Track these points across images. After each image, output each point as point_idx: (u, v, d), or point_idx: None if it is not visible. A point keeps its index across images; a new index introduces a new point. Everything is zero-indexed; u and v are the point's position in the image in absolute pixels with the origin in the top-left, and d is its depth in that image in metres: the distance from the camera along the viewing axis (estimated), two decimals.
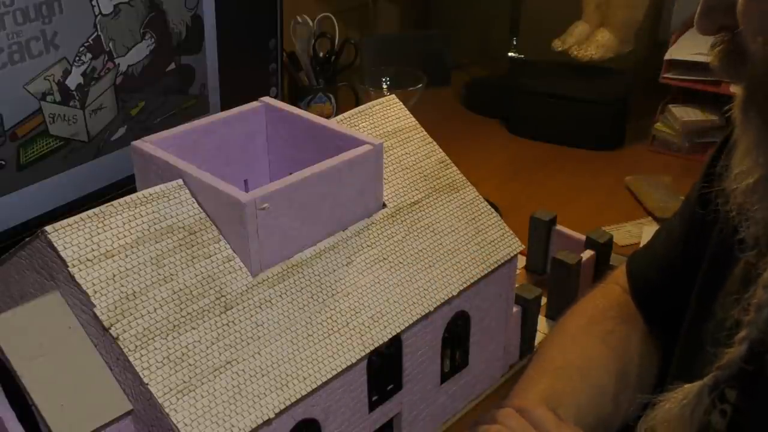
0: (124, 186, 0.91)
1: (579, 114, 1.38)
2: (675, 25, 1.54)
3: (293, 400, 0.54)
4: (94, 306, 0.51)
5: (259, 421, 0.52)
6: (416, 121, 0.78)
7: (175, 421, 0.49)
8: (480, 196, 0.75)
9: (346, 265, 0.63)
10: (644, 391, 0.71)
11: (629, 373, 0.70)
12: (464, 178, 0.76)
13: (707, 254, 0.62)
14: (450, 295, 0.66)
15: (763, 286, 0.51)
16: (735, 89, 0.52)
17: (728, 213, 0.53)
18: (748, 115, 0.50)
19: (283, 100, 0.96)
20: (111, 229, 0.55)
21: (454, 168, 0.76)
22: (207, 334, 0.54)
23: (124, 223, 0.55)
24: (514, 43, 1.53)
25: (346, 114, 0.74)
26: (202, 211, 0.59)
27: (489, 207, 0.75)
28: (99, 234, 0.54)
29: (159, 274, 0.54)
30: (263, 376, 0.54)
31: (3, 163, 0.82)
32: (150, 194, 0.58)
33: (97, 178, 0.93)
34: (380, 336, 0.60)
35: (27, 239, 0.55)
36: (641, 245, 0.89)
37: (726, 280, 0.58)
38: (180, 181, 0.59)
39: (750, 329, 0.51)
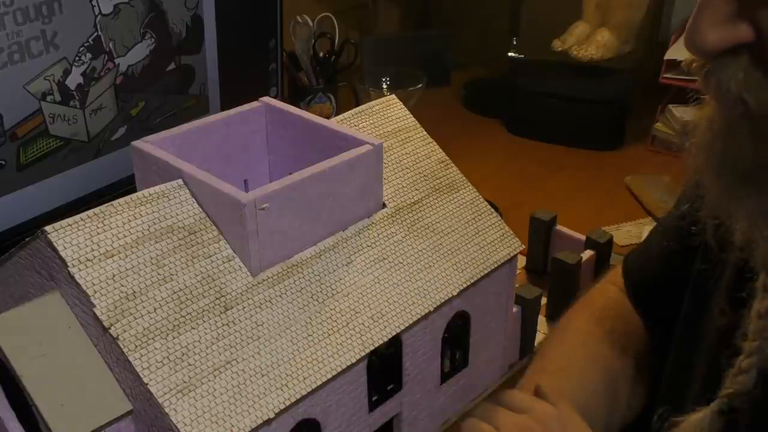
0: (124, 186, 0.91)
1: (579, 114, 1.39)
2: (675, 25, 1.54)
3: (293, 400, 0.54)
4: (94, 306, 0.51)
5: (259, 421, 0.52)
6: (416, 121, 0.78)
7: (175, 421, 0.49)
8: (480, 196, 0.75)
9: (346, 265, 0.63)
10: (643, 390, 0.71)
11: (628, 372, 0.70)
12: (464, 178, 0.76)
13: (700, 251, 0.62)
14: (450, 295, 0.66)
15: (758, 316, 0.51)
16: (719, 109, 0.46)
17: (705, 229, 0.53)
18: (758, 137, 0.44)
19: (283, 100, 0.96)
20: (111, 229, 0.55)
21: (454, 168, 0.76)
22: (207, 334, 0.54)
23: (124, 223, 0.55)
24: (514, 43, 1.53)
25: (346, 114, 0.74)
26: (202, 211, 0.59)
27: (489, 207, 0.75)
28: (99, 234, 0.54)
29: (159, 274, 0.54)
30: (263, 376, 0.54)
31: (3, 163, 0.82)
32: (150, 194, 0.58)
33: (97, 178, 0.93)
34: (380, 336, 0.60)
35: (27, 239, 0.55)
36: None
37: (720, 277, 0.58)
38: (180, 181, 0.59)
39: (758, 357, 0.50)
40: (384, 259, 0.65)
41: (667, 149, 1.35)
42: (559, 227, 0.99)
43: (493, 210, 0.75)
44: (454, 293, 0.67)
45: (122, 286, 0.53)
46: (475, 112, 1.53)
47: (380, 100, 0.77)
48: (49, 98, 0.84)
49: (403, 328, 0.62)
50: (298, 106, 0.84)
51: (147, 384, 0.50)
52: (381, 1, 1.67)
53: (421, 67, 1.36)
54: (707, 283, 0.59)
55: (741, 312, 0.53)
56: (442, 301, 0.66)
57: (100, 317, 0.51)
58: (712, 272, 0.58)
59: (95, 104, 0.89)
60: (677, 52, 1.32)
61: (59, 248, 0.52)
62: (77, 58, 0.85)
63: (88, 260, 0.53)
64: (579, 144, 1.38)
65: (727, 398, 0.52)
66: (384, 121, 0.75)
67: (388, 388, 0.65)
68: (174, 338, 0.52)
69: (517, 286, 0.79)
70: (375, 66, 1.45)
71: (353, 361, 0.58)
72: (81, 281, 0.52)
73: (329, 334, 0.58)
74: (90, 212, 0.55)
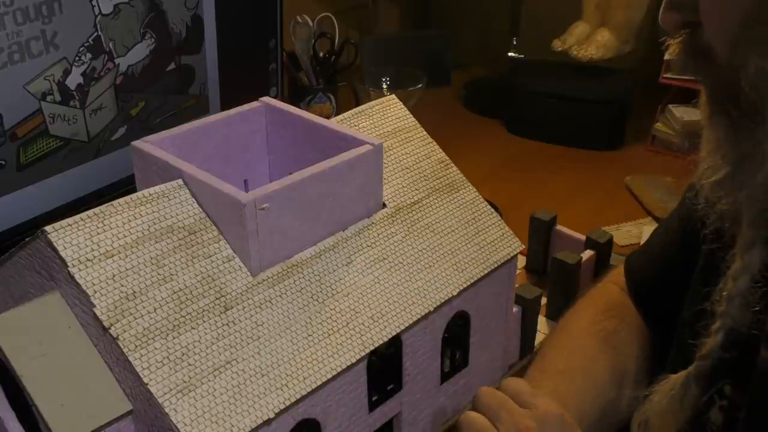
0: (124, 186, 0.91)
1: (579, 114, 1.39)
2: None
3: (293, 400, 0.54)
4: (94, 306, 0.51)
5: (259, 421, 0.52)
6: (416, 121, 0.78)
7: (175, 421, 0.49)
8: (480, 196, 0.75)
9: (346, 265, 0.63)
10: (645, 390, 0.71)
11: (630, 373, 0.70)
12: (464, 178, 0.76)
13: (702, 251, 0.62)
14: (450, 295, 0.66)
15: (732, 278, 0.53)
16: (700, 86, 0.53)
17: (697, 206, 0.55)
18: (713, 112, 0.51)
19: (283, 100, 0.96)
20: (111, 229, 0.55)
21: (454, 168, 0.76)
22: (207, 334, 0.54)
23: (124, 223, 0.55)
24: (514, 43, 1.53)
25: (346, 114, 0.74)
26: (202, 211, 0.59)
27: (489, 207, 0.75)
28: (99, 234, 0.54)
29: (159, 274, 0.54)
30: (263, 376, 0.54)
31: (3, 163, 0.82)
32: (150, 194, 0.58)
33: (97, 178, 0.93)
34: (380, 336, 0.61)
35: (27, 239, 0.55)
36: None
37: (720, 277, 0.58)
38: (180, 181, 0.59)
39: (724, 319, 0.53)
40: (384, 259, 0.65)
41: (667, 149, 1.35)
42: (559, 227, 0.99)
43: (493, 210, 0.75)
44: (454, 293, 0.67)
45: (122, 286, 0.53)
46: (475, 112, 1.53)
47: (380, 100, 0.77)
48: (49, 98, 0.84)
49: (403, 328, 0.62)
50: (298, 106, 0.84)
51: (147, 384, 0.50)
52: (381, 1, 1.67)
53: (421, 67, 1.36)
54: (708, 283, 0.59)
55: None
56: (442, 301, 0.66)
57: (100, 317, 0.51)
58: (715, 271, 0.58)
59: (95, 104, 0.89)
60: None
61: (59, 248, 0.52)
62: (77, 58, 0.85)
63: (88, 260, 0.53)
64: (579, 144, 1.38)
65: (699, 360, 0.55)
66: (384, 121, 0.75)
67: (388, 388, 0.65)
68: (174, 338, 0.52)
69: (517, 286, 0.79)
70: (375, 66, 1.45)
71: (353, 361, 0.58)
72: (81, 281, 0.52)
73: (329, 334, 0.58)
74: (90, 212, 0.55)
